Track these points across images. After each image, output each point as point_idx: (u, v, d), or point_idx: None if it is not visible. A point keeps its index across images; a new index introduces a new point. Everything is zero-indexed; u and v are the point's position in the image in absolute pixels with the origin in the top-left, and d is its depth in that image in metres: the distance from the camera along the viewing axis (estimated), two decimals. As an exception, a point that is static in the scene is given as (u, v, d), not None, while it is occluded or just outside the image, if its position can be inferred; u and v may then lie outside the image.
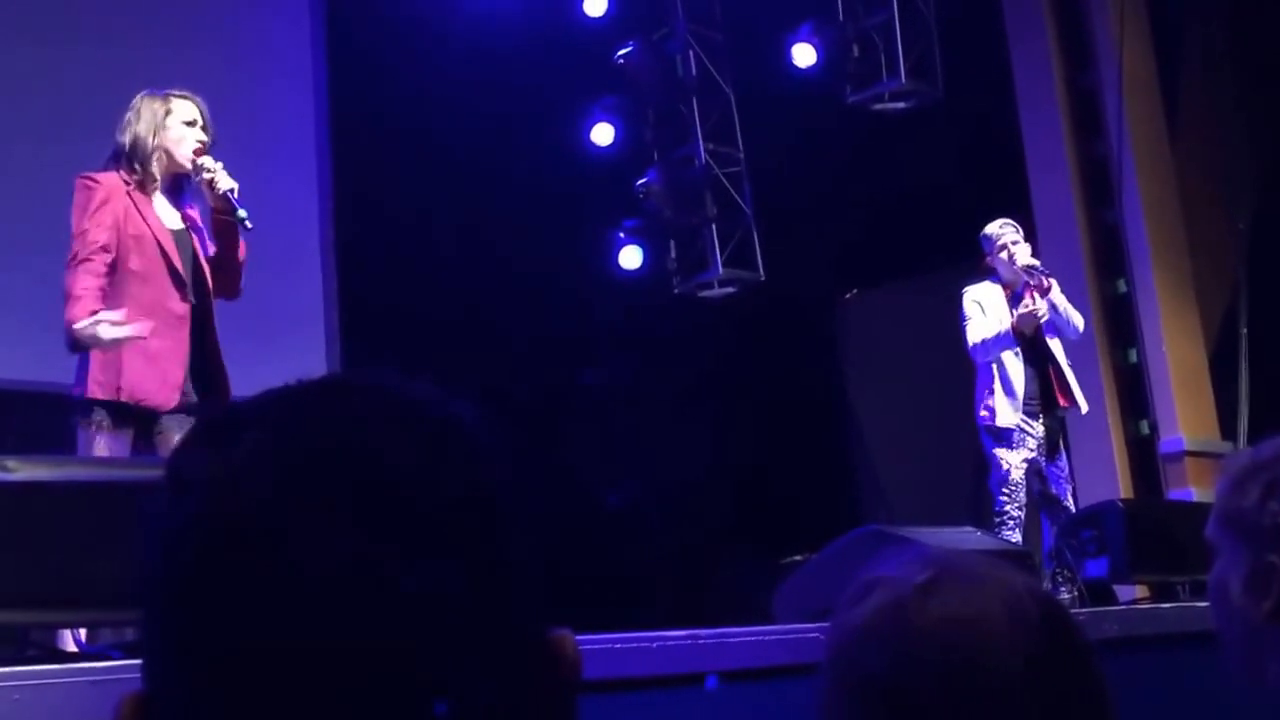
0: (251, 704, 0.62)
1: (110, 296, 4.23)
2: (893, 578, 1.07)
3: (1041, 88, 8.48)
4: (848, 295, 9.62)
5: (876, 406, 9.27)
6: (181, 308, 4.39)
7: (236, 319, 7.70)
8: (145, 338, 4.20)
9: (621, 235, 9.44)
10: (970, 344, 6.37)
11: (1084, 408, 6.47)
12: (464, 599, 0.64)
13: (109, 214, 4.31)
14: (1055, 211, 8.31)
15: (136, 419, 4.27)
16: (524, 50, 8.73)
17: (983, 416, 6.35)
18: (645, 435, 9.08)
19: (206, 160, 4.45)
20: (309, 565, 0.62)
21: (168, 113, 4.45)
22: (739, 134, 9.31)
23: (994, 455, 6.29)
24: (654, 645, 3.11)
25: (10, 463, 3.08)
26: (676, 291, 9.39)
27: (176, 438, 4.30)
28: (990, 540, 5.38)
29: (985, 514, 6.40)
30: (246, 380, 7.52)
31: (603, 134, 9.43)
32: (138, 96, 4.49)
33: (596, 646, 2.92)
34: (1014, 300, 6.42)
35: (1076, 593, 5.24)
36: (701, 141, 9.20)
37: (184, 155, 4.44)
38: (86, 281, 4.20)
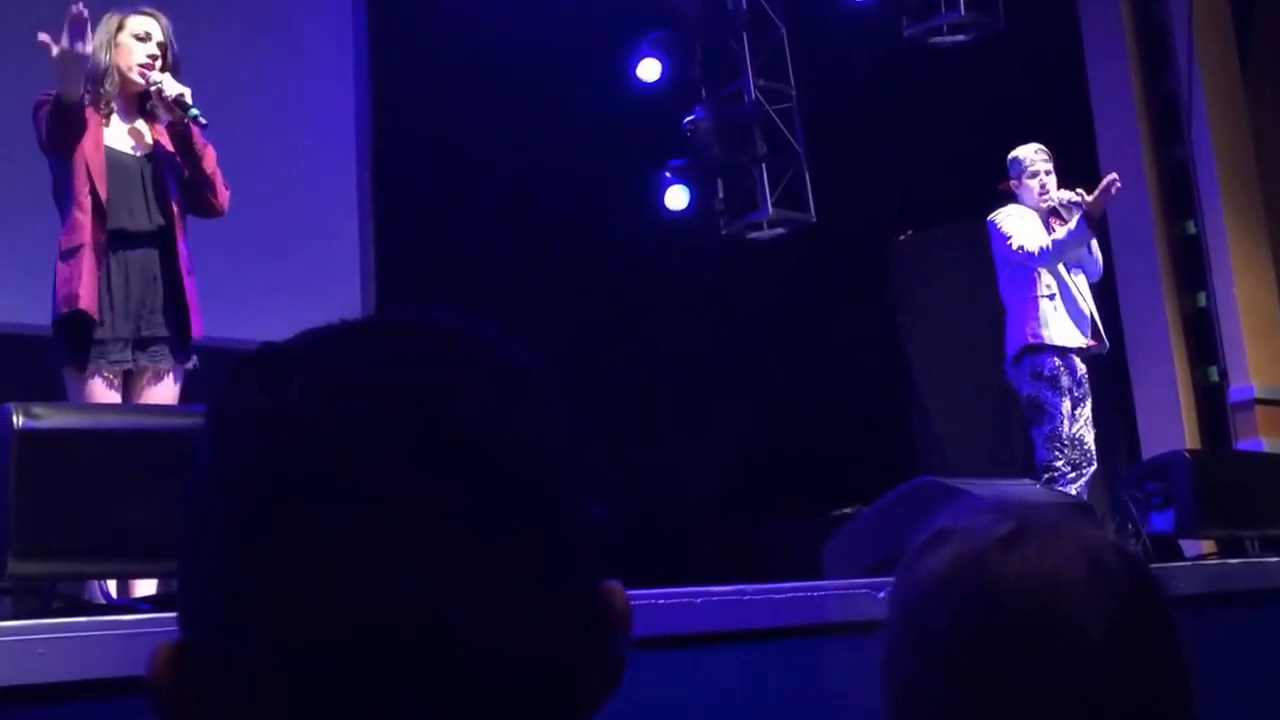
0: (309, 651, 0.61)
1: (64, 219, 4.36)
2: (969, 528, 1.05)
3: (1108, 19, 8.34)
4: (902, 237, 9.54)
5: (931, 353, 9.21)
6: (134, 231, 4.42)
7: (270, 268, 7.77)
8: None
9: (668, 175, 9.40)
10: (1030, 250, 6.14)
11: (1106, 346, 6.37)
12: (525, 546, 0.64)
13: None
14: (1121, 149, 8.19)
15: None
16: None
17: (1033, 339, 6.13)
18: (690, 381, 9.06)
19: (153, 73, 4.47)
20: (377, 506, 0.61)
21: (119, 28, 4.48)
22: (790, 69, 9.21)
23: (1053, 402, 6.11)
24: (698, 601, 3.09)
25: (37, 409, 3.08)
26: (724, 233, 9.33)
27: (150, 376, 4.36)
28: (1050, 493, 5.34)
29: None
30: (282, 332, 7.58)
31: (649, 70, 9.38)
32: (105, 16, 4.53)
33: (638, 602, 2.91)
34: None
35: (1140, 548, 5.19)
36: (751, 77, 9.11)
37: (132, 71, 4.47)
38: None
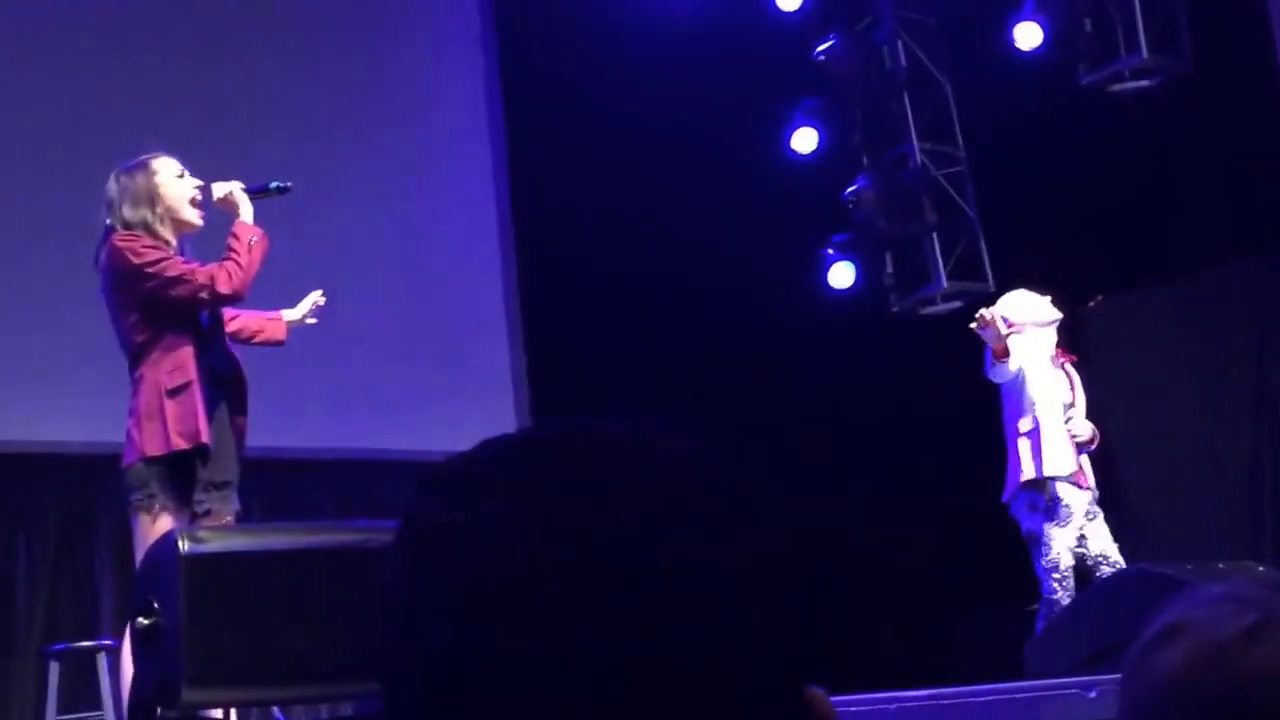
0: None
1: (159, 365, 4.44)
2: (1206, 621, 1.06)
3: (1308, 53, 8.24)
4: (1091, 303, 9.46)
5: (1131, 427, 9.07)
6: (216, 368, 4.57)
7: (417, 347, 8.02)
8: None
9: (830, 251, 9.43)
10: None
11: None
12: (729, 660, 0.70)
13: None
14: (1331, 194, 8.06)
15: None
16: (713, 53, 8.84)
17: (1025, 477, 6.44)
18: (867, 471, 9.04)
19: (214, 189, 4.68)
20: (590, 635, 0.67)
21: (154, 173, 4.62)
22: (958, 130, 9.25)
23: (1044, 532, 6.34)
24: (892, 707, 3.13)
25: (202, 533, 3.26)
26: (895, 310, 9.35)
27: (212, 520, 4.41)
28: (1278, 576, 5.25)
29: (1266, 547, 6.24)
30: (431, 421, 7.79)
31: (805, 140, 9.44)
32: (111, 179, 4.64)
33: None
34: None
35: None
36: (916, 141, 9.17)
37: (190, 211, 4.63)
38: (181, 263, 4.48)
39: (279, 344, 5.05)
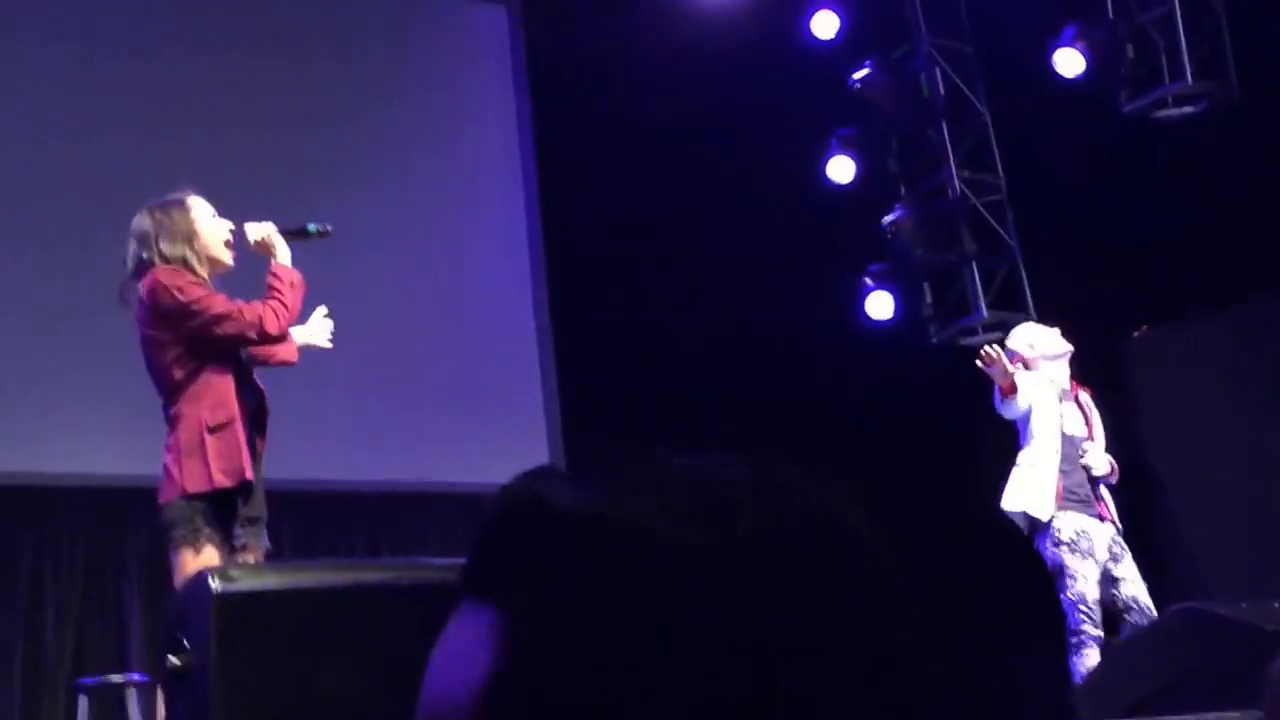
0: None
1: (201, 395, 4.49)
2: None
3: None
4: (1136, 333, 9.40)
5: (1177, 460, 9.01)
6: (249, 403, 4.62)
7: (448, 379, 8.02)
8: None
9: (868, 281, 9.42)
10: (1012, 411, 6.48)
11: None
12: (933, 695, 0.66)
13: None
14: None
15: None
16: (748, 82, 8.84)
17: (1006, 505, 6.37)
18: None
19: (248, 230, 4.75)
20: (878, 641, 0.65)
21: (190, 210, 4.66)
22: (997, 158, 9.23)
23: (1067, 565, 6.25)
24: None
25: (234, 571, 3.24)
26: (934, 340, 9.32)
27: (243, 556, 4.47)
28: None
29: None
30: (462, 453, 7.78)
31: (841, 169, 9.44)
32: (144, 214, 4.67)
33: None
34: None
35: None
36: (955, 169, 9.15)
37: (224, 251, 4.69)
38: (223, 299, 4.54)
39: (291, 364, 5.08)
